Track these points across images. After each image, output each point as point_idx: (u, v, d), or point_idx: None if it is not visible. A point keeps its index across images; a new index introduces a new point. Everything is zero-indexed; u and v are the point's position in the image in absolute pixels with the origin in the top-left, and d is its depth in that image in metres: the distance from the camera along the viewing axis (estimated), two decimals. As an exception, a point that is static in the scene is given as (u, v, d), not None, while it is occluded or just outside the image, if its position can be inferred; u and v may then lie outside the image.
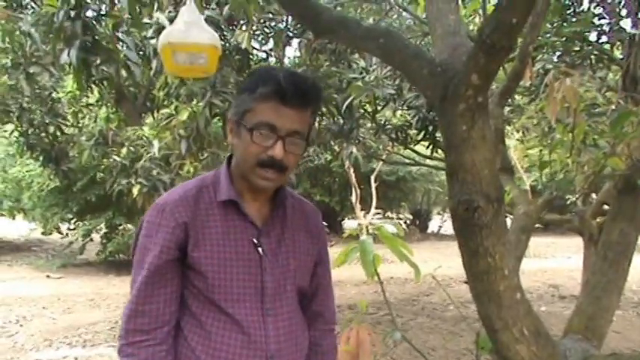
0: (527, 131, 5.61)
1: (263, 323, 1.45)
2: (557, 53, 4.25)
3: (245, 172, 1.43)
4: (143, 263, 1.41)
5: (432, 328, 6.73)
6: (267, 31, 6.29)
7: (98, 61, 3.60)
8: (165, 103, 5.50)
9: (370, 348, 1.84)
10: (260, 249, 1.46)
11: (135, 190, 4.66)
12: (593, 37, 3.79)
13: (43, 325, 6.73)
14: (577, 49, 4.00)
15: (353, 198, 13.69)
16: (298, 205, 1.62)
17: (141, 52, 4.58)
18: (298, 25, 5.69)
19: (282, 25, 6.00)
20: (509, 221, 2.58)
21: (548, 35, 3.59)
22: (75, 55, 3.29)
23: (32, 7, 5.48)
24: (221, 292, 1.42)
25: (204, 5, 4.59)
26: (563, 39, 3.77)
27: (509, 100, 5.74)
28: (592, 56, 3.84)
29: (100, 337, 6.12)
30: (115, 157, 5.10)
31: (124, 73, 4.29)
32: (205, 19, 4.38)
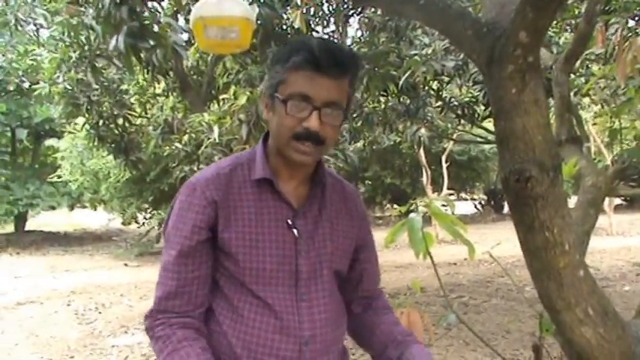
0: (605, 104, 5.30)
1: (297, 308, 1.37)
2: (635, 17, 3.98)
3: (281, 146, 1.35)
4: (174, 244, 1.36)
5: (507, 310, 6.52)
6: (325, 11, 6.20)
7: (148, 47, 3.61)
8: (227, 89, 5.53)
9: (422, 331, 1.74)
10: (295, 230, 1.39)
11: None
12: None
13: (120, 312, 6.96)
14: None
15: (424, 179, 13.44)
16: (339, 185, 1.54)
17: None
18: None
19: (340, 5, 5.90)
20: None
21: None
22: (123, 41, 3.31)
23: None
24: (252, 274, 1.35)
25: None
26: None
27: (584, 70, 5.45)
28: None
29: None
30: (177, 145, 5.16)
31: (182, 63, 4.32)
32: (260, 1, 4.38)
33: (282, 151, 1.36)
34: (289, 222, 1.39)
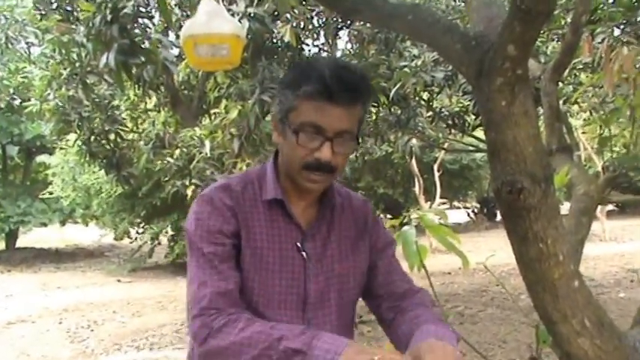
0: (594, 111, 5.34)
1: None
2: (620, 26, 4.01)
3: (291, 173, 1.35)
4: (203, 249, 1.31)
5: (503, 319, 6.52)
6: (315, 24, 6.23)
7: (138, 63, 3.62)
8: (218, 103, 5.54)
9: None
10: (304, 253, 1.37)
11: (189, 191, 4.69)
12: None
13: (113, 329, 6.91)
14: (639, 18, 3.75)
15: (416, 189, 13.46)
16: (347, 202, 1.52)
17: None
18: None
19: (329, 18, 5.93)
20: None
21: (604, 7, 3.37)
22: (114, 58, 3.31)
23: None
24: (261, 296, 1.34)
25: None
26: (623, 9, 3.54)
27: (572, 78, 5.49)
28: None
29: (166, 340, 6.22)
30: (169, 159, 5.15)
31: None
32: (250, 16, 4.39)
33: (293, 178, 1.35)
34: (298, 245, 1.37)
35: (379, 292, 1.51)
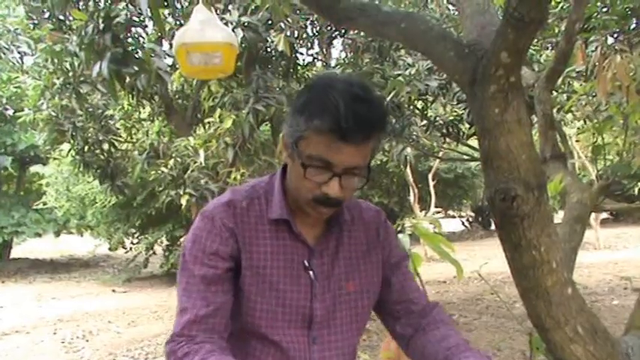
0: (588, 119, 5.36)
1: (309, 352, 1.34)
2: (614, 34, 4.03)
3: (299, 201, 1.31)
4: (196, 271, 1.29)
5: (497, 327, 6.51)
6: (309, 33, 6.25)
7: (131, 72, 3.61)
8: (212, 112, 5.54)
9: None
10: (311, 272, 1.34)
11: (183, 201, 4.67)
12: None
13: (108, 340, 6.87)
14: (633, 26, 3.77)
15: (411, 198, 13.46)
16: (357, 214, 1.46)
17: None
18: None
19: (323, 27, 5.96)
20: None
21: (597, 15, 3.39)
22: (106, 67, 3.31)
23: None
24: (266, 317, 1.31)
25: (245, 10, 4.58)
26: (616, 17, 3.56)
27: (566, 87, 5.51)
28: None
29: (161, 350, 6.17)
30: (163, 169, 5.14)
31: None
32: (244, 25, 4.40)
33: (300, 205, 1.32)
34: (306, 263, 1.34)
35: (395, 308, 1.48)
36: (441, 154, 10.54)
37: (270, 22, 4.92)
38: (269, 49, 5.79)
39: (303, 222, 1.36)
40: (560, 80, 4.32)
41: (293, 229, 1.34)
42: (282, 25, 5.10)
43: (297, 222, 1.35)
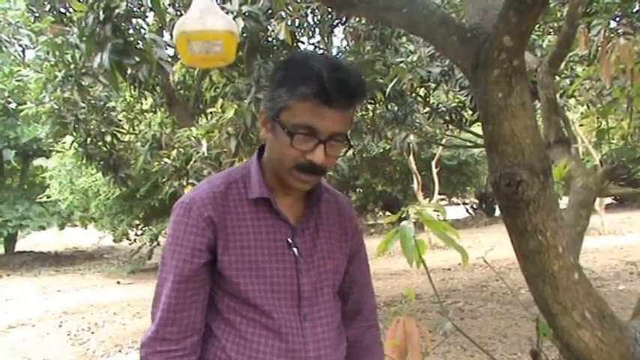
0: (591, 104, 5.33)
1: (301, 329, 1.35)
2: (616, 17, 4.00)
3: (280, 172, 1.32)
4: (172, 267, 1.31)
5: (503, 314, 6.51)
6: (310, 22, 6.21)
7: (133, 63, 3.60)
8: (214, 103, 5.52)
9: (418, 340, 1.72)
10: (295, 249, 1.36)
11: (186, 192, 4.67)
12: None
13: (114, 331, 6.89)
14: (635, 9, 3.75)
15: (415, 186, 13.44)
16: (332, 198, 1.50)
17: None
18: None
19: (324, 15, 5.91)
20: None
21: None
22: (107, 58, 3.29)
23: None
24: (255, 296, 1.32)
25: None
26: (618, 0, 3.53)
27: (569, 71, 5.48)
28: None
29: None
30: (166, 160, 5.13)
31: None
32: (245, 14, 4.37)
33: (281, 176, 1.33)
34: (289, 241, 1.36)
35: (343, 296, 1.52)
36: (444, 141, 10.54)
37: (270, 11, 4.89)
38: (270, 39, 5.76)
39: (282, 201, 1.38)
40: (563, 65, 4.29)
41: (273, 206, 1.35)
42: (282, 13, 5.06)
43: (277, 201, 1.36)
